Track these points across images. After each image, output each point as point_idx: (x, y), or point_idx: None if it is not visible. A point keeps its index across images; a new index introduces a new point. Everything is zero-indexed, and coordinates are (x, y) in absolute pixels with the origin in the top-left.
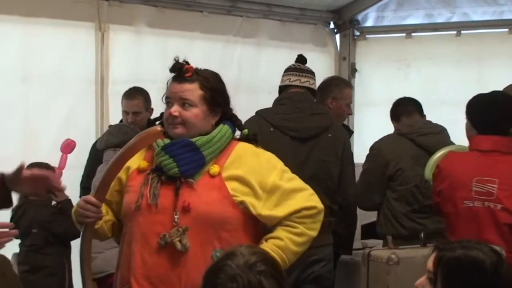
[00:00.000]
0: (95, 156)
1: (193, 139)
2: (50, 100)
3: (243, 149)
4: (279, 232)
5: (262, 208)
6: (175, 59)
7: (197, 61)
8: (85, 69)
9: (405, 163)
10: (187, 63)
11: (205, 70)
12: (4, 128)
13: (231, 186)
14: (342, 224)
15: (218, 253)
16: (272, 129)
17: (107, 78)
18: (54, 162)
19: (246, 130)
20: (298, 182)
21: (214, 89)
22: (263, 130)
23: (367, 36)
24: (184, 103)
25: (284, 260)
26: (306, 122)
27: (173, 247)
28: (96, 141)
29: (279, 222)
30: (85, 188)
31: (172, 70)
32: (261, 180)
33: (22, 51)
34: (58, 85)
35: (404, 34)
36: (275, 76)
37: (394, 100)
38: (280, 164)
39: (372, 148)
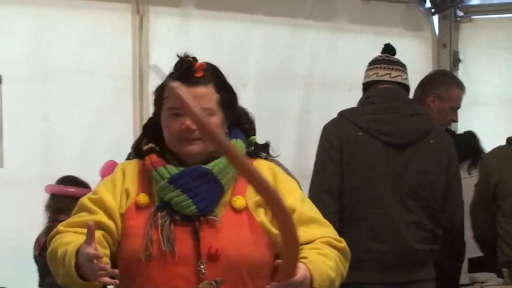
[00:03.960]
0: None
1: (209, 166)
2: (72, 101)
3: (258, 167)
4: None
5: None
6: (178, 56)
7: (259, 51)
8: (118, 63)
9: (508, 173)
10: (195, 59)
11: (209, 64)
12: (18, 135)
13: (260, 217)
14: (445, 254)
15: None
16: (360, 133)
17: (146, 73)
18: (80, 176)
19: (253, 137)
20: (320, 215)
21: (228, 90)
22: (349, 135)
23: (472, 17)
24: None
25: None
26: (403, 125)
27: None
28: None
29: None
30: None
31: (179, 69)
32: None
33: (34, 41)
34: (83, 82)
35: None
36: (356, 69)
37: (508, 98)
38: (300, 190)
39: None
